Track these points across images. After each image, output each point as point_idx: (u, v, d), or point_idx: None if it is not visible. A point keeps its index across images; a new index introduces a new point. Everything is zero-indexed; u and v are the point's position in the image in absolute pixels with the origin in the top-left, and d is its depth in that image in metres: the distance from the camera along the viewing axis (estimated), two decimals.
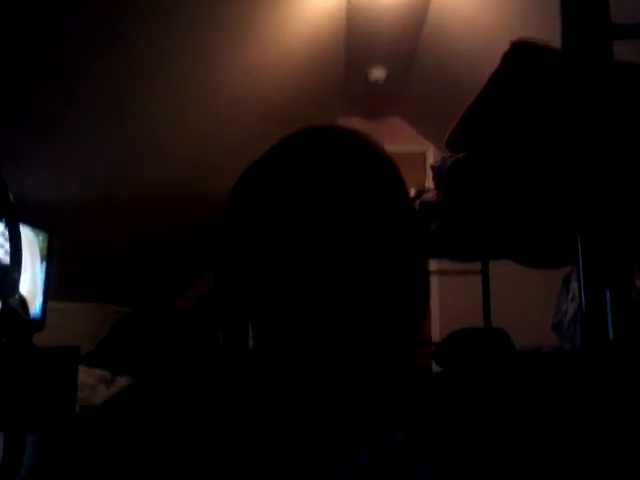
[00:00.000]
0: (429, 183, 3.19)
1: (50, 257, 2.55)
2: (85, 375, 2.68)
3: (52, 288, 2.59)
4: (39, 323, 2.42)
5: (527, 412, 0.60)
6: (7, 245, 1.37)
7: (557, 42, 0.75)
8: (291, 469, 0.51)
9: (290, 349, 0.50)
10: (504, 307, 2.99)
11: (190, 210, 3.63)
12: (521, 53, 1.28)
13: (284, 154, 0.54)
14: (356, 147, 0.54)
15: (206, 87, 2.87)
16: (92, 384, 2.73)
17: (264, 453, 0.52)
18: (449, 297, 4.42)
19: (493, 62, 1.35)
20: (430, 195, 1.86)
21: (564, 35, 0.70)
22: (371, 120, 4.79)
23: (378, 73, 4.01)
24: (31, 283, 2.43)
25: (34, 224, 2.44)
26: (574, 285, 2.03)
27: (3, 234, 1.30)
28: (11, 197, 1.35)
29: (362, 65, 3.95)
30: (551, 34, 0.95)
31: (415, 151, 4.90)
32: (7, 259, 1.35)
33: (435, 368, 2.48)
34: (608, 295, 0.62)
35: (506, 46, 1.31)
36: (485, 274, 2.66)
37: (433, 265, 3.57)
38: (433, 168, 1.79)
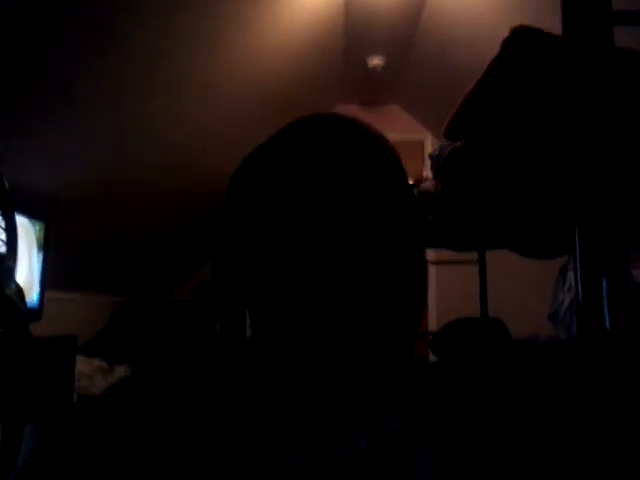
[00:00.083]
0: (427, 172, 3.19)
1: (47, 246, 2.55)
2: (83, 365, 2.69)
3: (50, 278, 2.58)
4: (36, 313, 2.42)
5: (523, 401, 0.60)
6: (3, 235, 1.36)
7: (558, 28, 0.75)
8: (287, 458, 0.51)
9: (287, 338, 0.50)
10: (501, 297, 3.00)
11: (188, 198, 3.63)
12: (521, 39, 1.27)
13: (285, 142, 0.54)
14: (357, 135, 0.54)
15: (205, 74, 2.85)
16: (90, 374, 2.73)
17: (260, 442, 0.52)
18: (446, 287, 4.43)
19: (493, 48, 1.34)
20: (428, 184, 1.85)
21: (564, 21, 0.69)
22: (369, 108, 4.77)
23: (376, 60, 3.99)
24: (28, 273, 2.43)
25: (30, 213, 2.44)
26: (571, 275, 2.04)
27: None
28: (7, 186, 1.35)
29: (361, 52, 3.93)
30: (551, 20, 0.94)
31: (413, 139, 4.89)
32: (3, 249, 1.34)
33: (432, 358, 2.48)
34: (604, 285, 0.62)
35: (506, 32, 1.29)
36: (482, 264, 2.66)
37: (430, 255, 3.57)
38: (431, 157, 1.78)
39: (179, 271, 4.56)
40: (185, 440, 0.52)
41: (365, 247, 0.49)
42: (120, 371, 2.98)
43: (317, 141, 0.53)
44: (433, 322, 4.42)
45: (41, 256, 2.53)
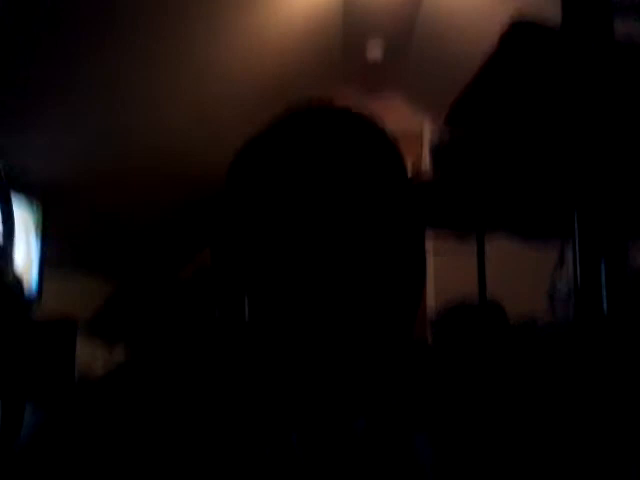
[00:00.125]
0: (426, 163, 3.17)
1: (45, 227, 2.55)
2: (83, 345, 2.70)
3: (49, 259, 2.59)
4: (35, 294, 2.43)
5: (520, 385, 0.61)
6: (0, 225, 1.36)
7: (557, 18, 0.74)
8: (287, 438, 0.52)
9: (286, 321, 0.51)
10: (499, 280, 3.01)
11: (185, 181, 3.62)
12: (520, 31, 1.26)
13: (284, 131, 0.54)
14: (356, 125, 0.54)
15: (203, 56, 2.83)
16: (90, 354, 2.75)
17: (260, 422, 0.52)
18: (445, 270, 4.44)
19: (494, 34, 1.33)
20: (427, 176, 1.86)
21: (564, 11, 0.69)
22: (368, 96, 4.73)
23: (376, 47, 3.96)
24: (26, 254, 2.43)
25: (28, 194, 2.43)
26: (569, 259, 2.04)
27: None
28: (2, 172, 1.34)
29: (360, 39, 3.89)
30: (553, 3, 0.93)
31: (412, 128, 4.86)
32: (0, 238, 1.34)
33: (430, 342, 2.50)
34: (603, 269, 0.63)
35: (506, 17, 1.29)
36: (480, 246, 2.65)
37: (430, 242, 3.56)
38: (431, 144, 1.78)
39: (179, 253, 4.57)
40: (185, 422, 0.52)
41: (364, 233, 0.49)
42: (120, 351, 3.00)
43: (317, 130, 0.53)
44: (431, 306, 4.43)
45: (39, 237, 2.53)
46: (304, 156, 0.51)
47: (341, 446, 0.51)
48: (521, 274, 4.03)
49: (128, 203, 3.37)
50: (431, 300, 4.62)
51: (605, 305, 0.64)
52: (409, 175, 0.58)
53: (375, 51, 3.98)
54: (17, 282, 1.26)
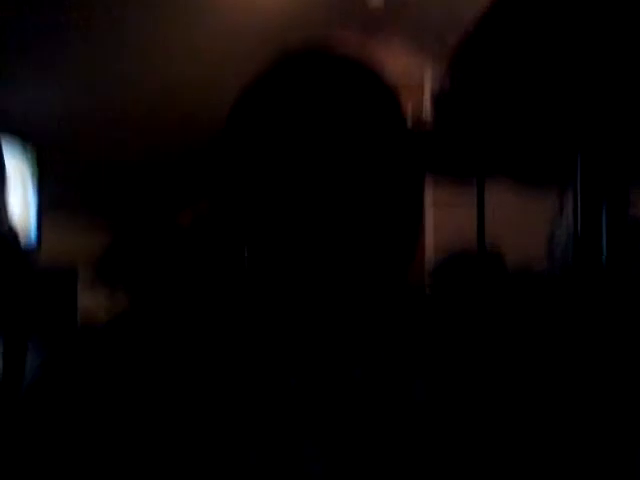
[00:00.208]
0: (426, 111, 3.13)
1: (41, 173, 2.53)
2: (84, 293, 2.73)
3: (47, 205, 2.58)
4: (35, 241, 2.43)
5: (517, 335, 0.62)
6: None
7: None
8: (286, 383, 0.53)
9: (285, 269, 0.51)
10: (498, 231, 3.02)
11: (184, 123, 3.59)
12: None
13: (283, 77, 0.54)
14: (354, 71, 0.53)
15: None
16: (92, 302, 2.78)
17: (259, 367, 0.53)
18: (444, 223, 4.45)
19: None
20: (427, 123, 1.84)
21: None
22: (368, 42, 4.62)
23: None
24: (23, 201, 2.42)
25: (22, 139, 2.39)
26: (569, 207, 2.04)
27: None
28: None
29: None
30: None
31: (413, 76, 4.76)
32: None
33: (428, 291, 2.52)
34: (604, 217, 0.62)
35: None
36: (480, 194, 2.63)
37: (430, 194, 3.56)
38: (432, 91, 1.76)
39: (178, 199, 4.57)
40: (185, 365, 0.53)
41: (360, 179, 0.49)
42: (122, 298, 3.03)
43: (315, 76, 0.52)
44: (430, 256, 4.46)
45: (35, 184, 2.51)
46: (302, 102, 0.51)
47: (339, 392, 0.52)
48: (520, 224, 4.04)
49: (125, 147, 3.35)
50: (430, 253, 4.66)
51: (604, 253, 0.63)
52: (408, 122, 0.57)
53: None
54: (12, 230, 1.25)
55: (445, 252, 2.66)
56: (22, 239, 1.40)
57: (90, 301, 2.79)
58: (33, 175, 2.53)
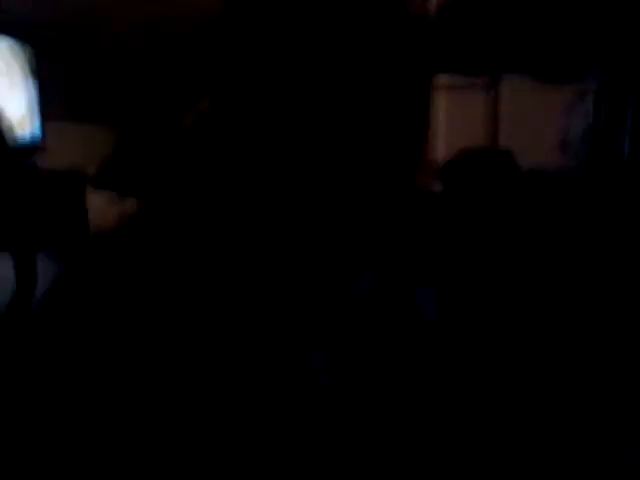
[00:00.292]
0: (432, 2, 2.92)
1: (40, 72, 2.44)
2: (92, 198, 2.72)
3: (49, 108, 2.52)
4: (39, 144, 2.40)
5: (527, 235, 0.60)
6: None
7: None
8: (292, 292, 0.53)
9: (289, 174, 0.50)
10: (511, 129, 2.93)
11: (183, 11, 3.41)
12: None
13: None
14: None
15: None
16: (100, 207, 2.78)
17: (266, 277, 0.53)
18: (456, 114, 4.32)
19: None
20: (435, 15, 1.71)
21: None
22: None
23: None
24: (25, 102, 2.36)
25: (17, 37, 2.29)
26: (589, 100, 1.96)
27: None
28: None
29: None
30: None
31: None
32: None
33: (438, 192, 2.50)
34: (630, 108, 0.59)
35: None
36: (495, 90, 2.54)
37: (442, 80, 3.42)
38: None
39: (181, 98, 4.45)
40: (194, 272, 0.53)
41: (365, 73, 0.46)
42: (130, 203, 3.03)
43: None
44: (442, 152, 4.38)
45: (36, 83, 2.44)
46: None
47: (345, 302, 0.52)
48: (534, 123, 3.91)
49: (123, 38, 3.21)
50: (441, 153, 4.56)
51: (627, 146, 0.60)
52: (414, 14, 0.53)
53: None
54: (8, 129, 1.22)
55: (456, 142, 2.60)
56: (16, 137, 1.37)
57: (99, 205, 2.80)
58: (32, 73, 2.45)
